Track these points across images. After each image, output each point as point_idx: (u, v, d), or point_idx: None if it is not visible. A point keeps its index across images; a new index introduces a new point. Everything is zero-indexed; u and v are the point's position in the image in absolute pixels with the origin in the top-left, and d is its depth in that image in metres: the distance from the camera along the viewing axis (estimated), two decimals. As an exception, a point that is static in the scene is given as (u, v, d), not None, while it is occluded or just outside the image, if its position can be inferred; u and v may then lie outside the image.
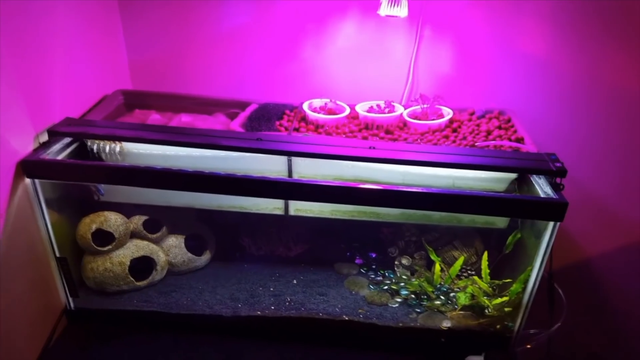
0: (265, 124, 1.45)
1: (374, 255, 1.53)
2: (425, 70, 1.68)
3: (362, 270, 1.50)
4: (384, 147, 1.27)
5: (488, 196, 1.16)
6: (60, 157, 1.26)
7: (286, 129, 1.44)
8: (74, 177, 1.22)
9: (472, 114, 1.55)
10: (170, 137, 1.25)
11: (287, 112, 1.53)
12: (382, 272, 1.48)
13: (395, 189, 1.17)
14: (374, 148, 1.26)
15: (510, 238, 1.34)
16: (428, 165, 1.23)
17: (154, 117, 1.50)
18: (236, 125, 1.46)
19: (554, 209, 1.12)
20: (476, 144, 1.38)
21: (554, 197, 1.14)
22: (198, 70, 1.70)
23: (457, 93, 1.69)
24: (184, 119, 1.51)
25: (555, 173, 1.17)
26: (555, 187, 1.17)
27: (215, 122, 1.51)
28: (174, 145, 1.26)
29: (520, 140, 1.39)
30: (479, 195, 1.16)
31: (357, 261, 1.53)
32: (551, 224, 1.15)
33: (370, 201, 1.21)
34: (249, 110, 1.53)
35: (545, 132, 1.67)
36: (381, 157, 1.23)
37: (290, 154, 1.26)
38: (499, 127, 1.45)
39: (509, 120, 1.50)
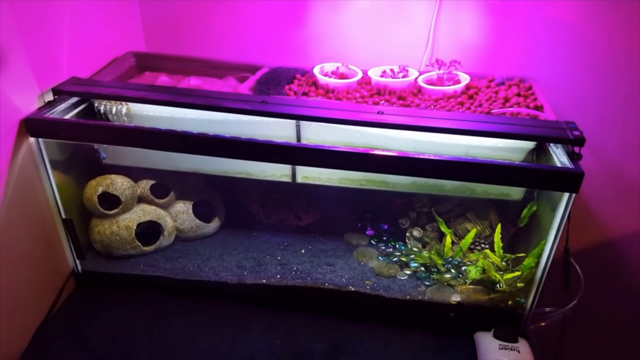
0: (274, 88, 1.40)
1: (385, 227, 1.49)
2: (446, 34, 1.60)
3: (372, 241, 1.47)
4: (393, 113, 1.22)
5: (498, 164, 1.10)
6: (65, 117, 1.24)
7: (295, 93, 1.39)
8: (78, 137, 1.21)
9: (491, 80, 1.47)
10: (174, 98, 1.22)
11: (298, 76, 1.48)
12: (393, 243, 1.44)
13: (406, 155, 1.12)
14: (382, 113, 1.21)
15: (525, 211, 1.28)
16: (438, 132, 1.17)
17: (163, 79, 1.47)
18: (245, 88, 1.42)
19: (568, 179, 1.06)
20: (492, 111, 1.31)
21: (570, 166, 1.07)
22: (210, 33, 1.66)
23: (479, 59, 1.60)
24: (193, 82, 1.48)
25: (572, 142, 1.10)
26: (573, 156, 1.10)
27: (225, 86, 1.47)
28: (175, 107, 1.23)
29: (539, 108, 1.31)
30: (489, 163, 1.10)
31: (368, 232, 1.49)
32: (566, 195, 1.09)
33: (379, 168, 1.16)
34: (259, 74, 1.49)
35: (568, 102, 1.59)
36: (389, 123, 1.18)
37: (294, 117, 1.22)
38: (518, 95, 1.38)
39: (529, 88, 1.42)
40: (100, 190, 1.33)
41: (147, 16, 1.67)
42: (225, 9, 1.63)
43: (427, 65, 1.44)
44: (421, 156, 1.11)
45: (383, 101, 1.36)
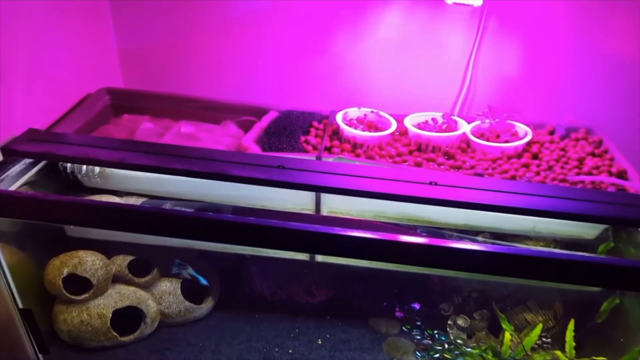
0: (287, 140, 1.13)
1: (417, 307, 1.21)
2: (486, 71, 1.34)
3: (404, 328, 1.19)
4: (449, 183, 0.95)
5: (579, 261, 0.83)
6: (18, 184, 0.96)
7: (314, 147, 1.12)
8: (32, 215, 0.91)
9: (551, 132, 1.21)
10: (162, 163, 0.94)
11: (315, 123, 1.20)
12: (430, 332, 1.17)
13: (457, 246, 0.84)
14: (435, 184, 0.94)
15: (605, 304, 1.02)
16: (508, 212, 0.92)
17: (146, 127, 1.18)
18: (250, 140, 1.14)
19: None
20: (567, 177, 1.05)
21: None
22: (204, 66, 1.37)
23: (525, 101, 1.35)
24: (185, 129, 1.19)
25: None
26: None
27: (224, 134, 1.19)
28: (165, 174, 0.95)
29: (622, 174, 1.05)
30: (564, 260, 0.83)
31: (397, 314, 1.21)
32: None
33: (418, 260, 0.89)
34: (266, 119, 1.21)
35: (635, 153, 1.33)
36: (447, 200, 0.91)
37: (321, 189, 0.96)
38: (593, 154, 1.12)
39: (600, 143, 1.17)
40: (65, 271, 1.06)
41: (124, 44, 1.37)
42: (221, 36, 1.34)
43: (477, 115, 1.17)
44: (476, 248, 0.84)
45: (427, 161, 1.09)
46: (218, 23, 1.33)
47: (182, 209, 1.05)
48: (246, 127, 1.22)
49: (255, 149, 1.10)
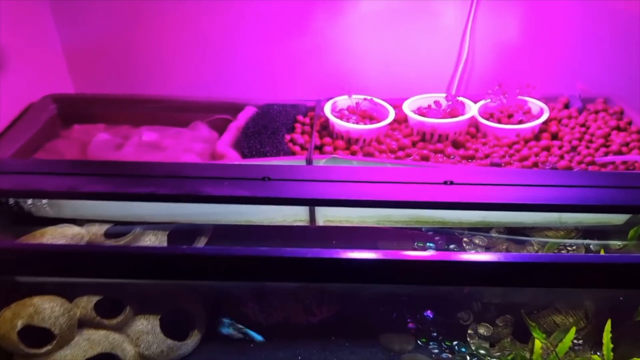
0: (270, 141, 0.96)
1: (430, 316, 1.08)
2: (485, 40, 1.19)
3: (419, 342, 1.05)
4: (466, 180, 0.80)
5: (591, 262, 0.71)
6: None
7: (302, 147, 0.95)
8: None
9: (567, 105, 1.07)
10: (121, 187, 0.76)
11: (300, 118, 1.04)
12: (449, 343, 1.04)
13: (473, 260, 0.70)
14: (451, 183, 0.79)
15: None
16: (539, 210, 0.78)
17: (101, 139, 1.01)
18: (225, 145, 0.97)
19: None
20: (595, 160, 0.91)
21: None
22: (164, 60, 1.18)
23: (531, 71, 1.20)
24: (147, 137, 1.02)
25: None
26: None
27: (194, 139, 1.02)
28: (127, 200, 0.78)
29: (655, 149, 0.92)
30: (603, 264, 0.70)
31: (409, 325, 1.08)
32: None
33: (430, 279, 0.74)
34: (243, 117, 1.04)
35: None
36: (467, 202, 0.77)
37: (316, 202, 0.80)
38: (618, 128, 0.98)
39: (622, 113, 1.04)
40: (20, 323, 0.88)
41: (69, 41, 1.17)
42: (182, 22, 1.15)
43: (487, 94, 1.02)
44: (497, 259, 0.70)
45: (435, 153, 0.94)
46: (176, 7, 1.14)
47: (162, 245, 0.89)
48: (220, 128, 1.05)
49: (233, 156, 0.94)
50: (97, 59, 1.18)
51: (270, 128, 0.99)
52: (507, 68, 1.21)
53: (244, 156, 0.93)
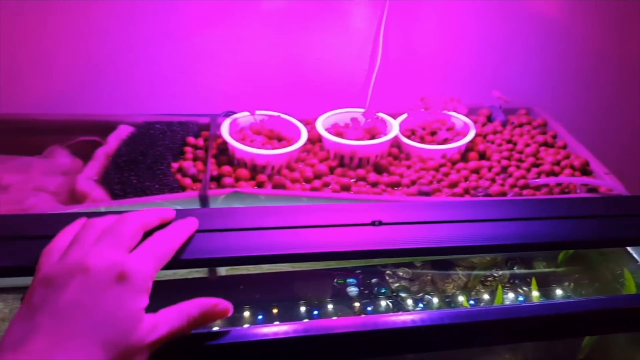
0: (150, 173, 0.75)
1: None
2: (396, 47, 1.08)
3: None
4: (395, 218, 0.67)
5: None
6: None
7: (194, 179, 0.76)
8: None
9: (489, 117, 0.98)
10: None
11: (191, 139, 0.84)
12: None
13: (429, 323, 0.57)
14: (380, 223, 0.65)
15: (586, 340, 0.82)
16: (478, 252, 0.68)
17: None
18: (88, 179, 0.74)
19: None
20: (528, 182, 0.82)
21: None
22: (12, 67, 0.92)
23: (447, 79, 1.11)
24: (-19, 171, 0.76)
25: None
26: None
27: (49, 171, 0.78)
28: None
29: (585, 166, 0.85)
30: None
31: None
32: None
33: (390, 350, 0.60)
34: (114, 140, 0.82)
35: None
36: (397, 249, 0.62)
37: (214, 262, 0.62)
38: (545, 144, 0.90)
39: (546, 126, 0.97)
40: None
41: None
42: (41, 16, 0.90)
43: (410, 109, 0.89)
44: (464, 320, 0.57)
45: (356, 180, 0.79)
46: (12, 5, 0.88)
47: None
48: (86, 154, 0.82)
49: (99, 195, 0.72)
50: None
51: (151, 155, 0.78)
52: (422, 76, 1.11)
53: (115, 196, 0.71)
